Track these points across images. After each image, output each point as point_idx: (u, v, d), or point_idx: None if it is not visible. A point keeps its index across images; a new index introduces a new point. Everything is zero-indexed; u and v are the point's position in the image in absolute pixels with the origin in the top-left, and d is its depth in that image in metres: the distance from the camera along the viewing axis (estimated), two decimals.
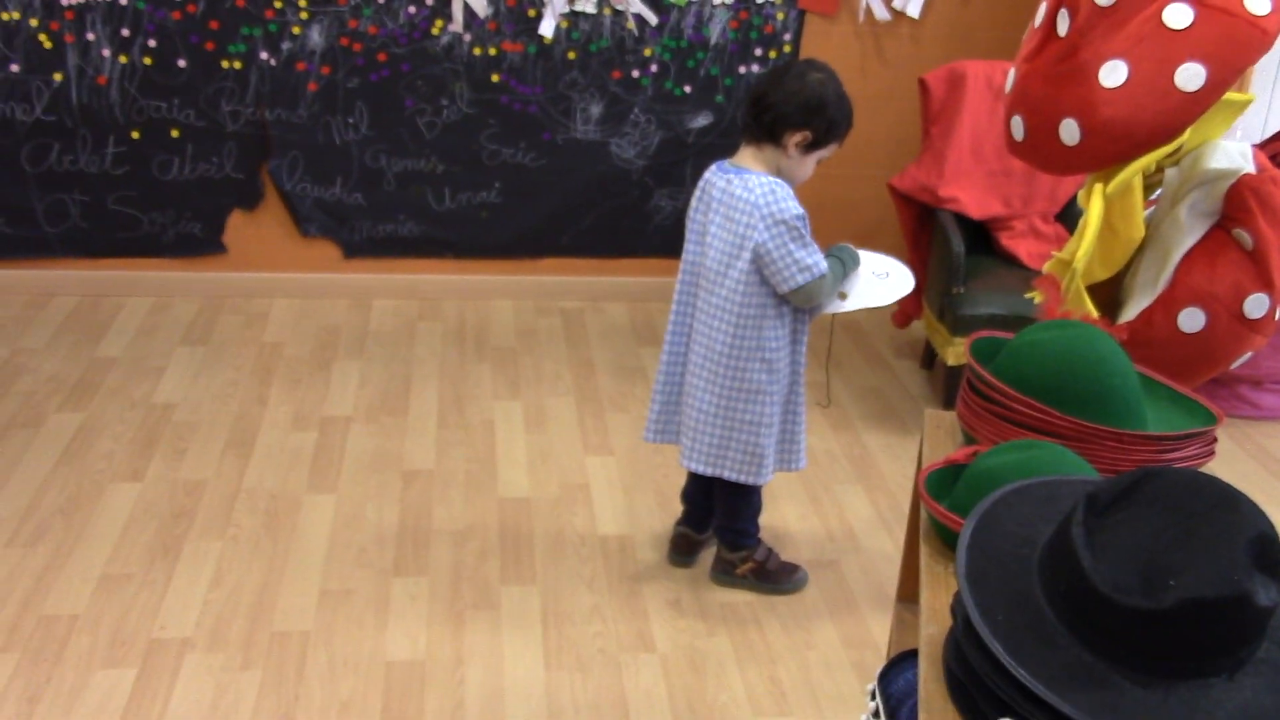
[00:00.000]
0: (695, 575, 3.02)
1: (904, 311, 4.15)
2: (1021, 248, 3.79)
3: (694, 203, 2.73)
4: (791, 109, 2.56)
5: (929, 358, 4.15)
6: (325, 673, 2.63)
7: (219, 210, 4.39)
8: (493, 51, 4.20)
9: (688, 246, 2.74)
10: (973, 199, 3.85)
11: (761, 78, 2.70)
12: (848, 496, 3.38)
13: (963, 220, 3.83)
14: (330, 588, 2.90)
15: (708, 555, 3.04)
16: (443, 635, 2.76)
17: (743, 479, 2.80)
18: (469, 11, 4.13)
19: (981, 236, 3.92)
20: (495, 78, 4.24)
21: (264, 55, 4.14)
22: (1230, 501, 1.32)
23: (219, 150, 4.28)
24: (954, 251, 3.68)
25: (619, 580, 2.98)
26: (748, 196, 2.58)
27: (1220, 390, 3.90)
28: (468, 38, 4.17)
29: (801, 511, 3.30)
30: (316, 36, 4.13)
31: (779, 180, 2.60)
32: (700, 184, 2.72)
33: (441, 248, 4.52)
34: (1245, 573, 1.25)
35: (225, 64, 4.14)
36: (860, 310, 2.75)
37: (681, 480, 3.04)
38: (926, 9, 4.31)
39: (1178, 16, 2.29)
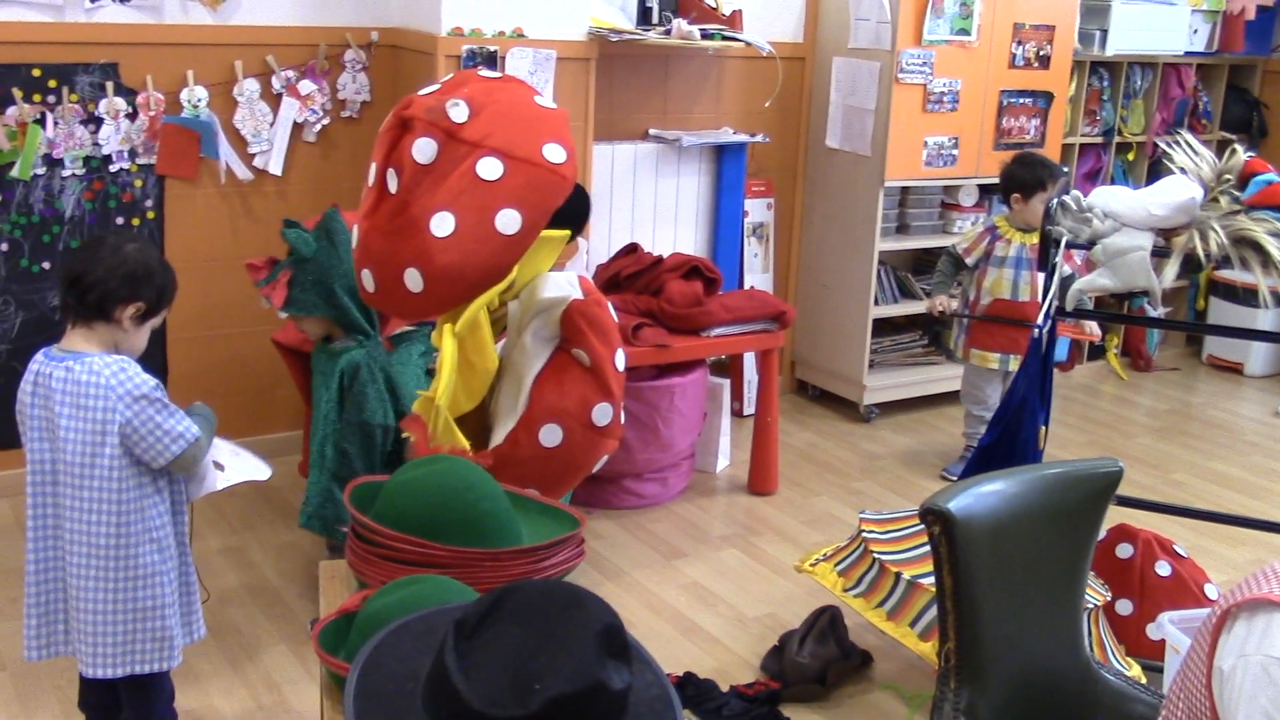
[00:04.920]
0: None
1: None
2: None
3: (27, 398, 2.58)
4: (118, 283, 2.54)
5: None
6: None
7: None
8: None
9: (32, 445, 2.57)
10: None
11: (73, 258, 2.65)
12: (274, 660, 3.30)
13: None
14: None
15: None
16: None
17: (155, 668, 2.66)
18: None
19: None
20: None
21: None
22: (578, 602, 1.46)
23: None
24: None
25: None
26: (97, 380, 2.50)
27: (609, 487, 4.28)
28: None
29: (225, 685, 3.17)
30: None
31: (122, 357, 2.55)
32: (30, 376, 2.58)
33: None
34: (599, 663, 1.39)
35: None
36: (241, 483, 2.74)
37: None
38: (289, 165, 4.41)
39: (490, 169, 2.55)
